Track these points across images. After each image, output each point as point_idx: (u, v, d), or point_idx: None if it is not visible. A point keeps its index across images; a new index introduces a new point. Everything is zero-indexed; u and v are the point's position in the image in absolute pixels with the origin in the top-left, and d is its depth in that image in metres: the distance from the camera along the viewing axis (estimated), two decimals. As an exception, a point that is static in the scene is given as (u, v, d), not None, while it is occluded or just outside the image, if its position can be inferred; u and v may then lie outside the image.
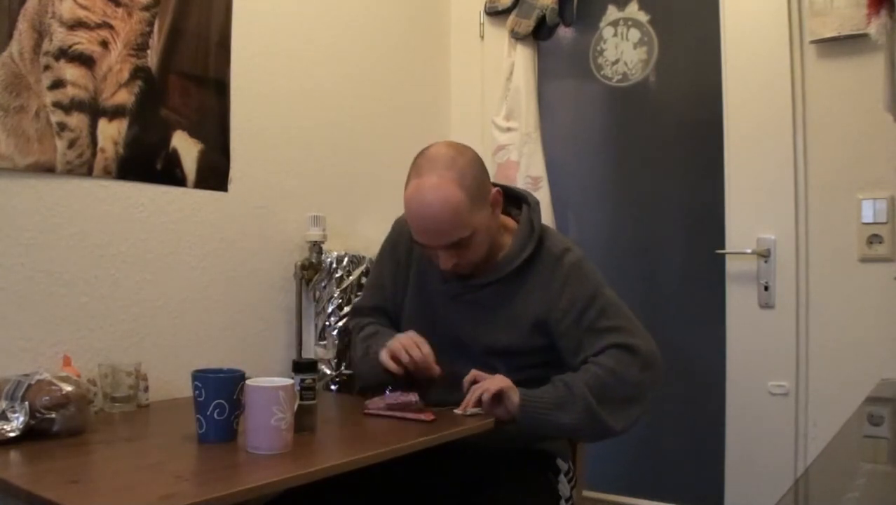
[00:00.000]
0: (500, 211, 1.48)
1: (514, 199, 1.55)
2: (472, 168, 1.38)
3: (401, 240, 1.59)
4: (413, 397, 1.38)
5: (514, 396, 1.35)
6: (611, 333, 1.40)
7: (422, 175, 1.36)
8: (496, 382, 1.36)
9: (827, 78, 1.95)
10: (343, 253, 1.94)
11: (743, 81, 2.06)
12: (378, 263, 1.66)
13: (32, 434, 1.17)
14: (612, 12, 2.33)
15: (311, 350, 1.91)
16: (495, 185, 1.48)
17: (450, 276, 1.47)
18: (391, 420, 1.37)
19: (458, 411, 1.36)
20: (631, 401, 1.39)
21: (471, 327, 1.46)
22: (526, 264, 1.46)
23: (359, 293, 1.93)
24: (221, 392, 1.15)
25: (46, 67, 1.46)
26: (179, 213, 1.71)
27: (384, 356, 1.41)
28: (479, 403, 1.36)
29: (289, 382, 1.17)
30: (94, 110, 1.54)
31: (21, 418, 1.17)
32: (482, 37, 2.54)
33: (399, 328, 1.56)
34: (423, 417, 1.35)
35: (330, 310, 1.90)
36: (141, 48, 1.62)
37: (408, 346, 1.40)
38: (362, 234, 2.11)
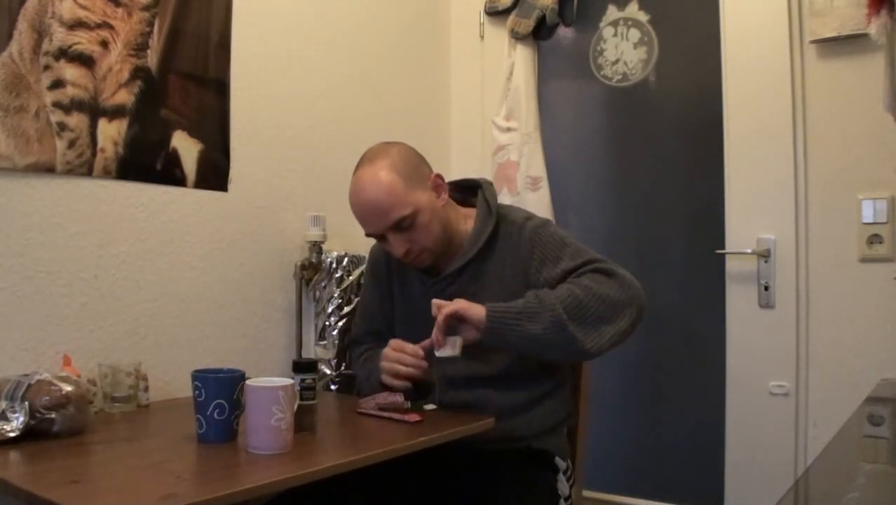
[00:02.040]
0: (446, 196, 1.52)
1: (471, 189, 1.60)
2: (402, 155, 1.48)
3: (378, 261, 1.66)
4: (399, 398, 1.39)
5: (477, 310, 1.35)
6: (588, 263, 1.43)
7: (356, 172, 1.48)
8: (452, 304, 1.37)
9: (827, 78, 1.95)
10: (343, 253, 1.94)
11: (743, 81, 2.06)
12: (364, 290, 1.73)
13: (32, 434, 1.17)
14: (612, 12, 2.33)
15: (311, 350, 1.91)
16: (451, 180, 1.56)
17: (413, 265, 1.50)
18: (385, 420, 1.37)
19: (438, 354, 1.38)
20: (604, 320, 1.36)
21: None
22: (491, 241, 1.50)
23: (359, 293, 1.93)
24: (221, 392, 1.16)
25: (46, 67, 1.46)
26: (179, 213, 1.71)
27: (387, 380, 1.45)
28: (446, 333, 1.37)
29: (289, 382, 1.17)
30: (94, 110, 1.54)
31: (21, 418, 1.17)
32: (482, 37, 2.54)
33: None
34: (407, 418, 1.35)
35: (330, 310, 1.90)
36: (141, 48, 1.62)
37: (397, 358, 1.43)
38: (362, 234, 2.11)
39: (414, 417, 1.35)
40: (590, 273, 1.41)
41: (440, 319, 1.36)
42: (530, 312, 1.34)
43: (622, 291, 1.39)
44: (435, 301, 1.39)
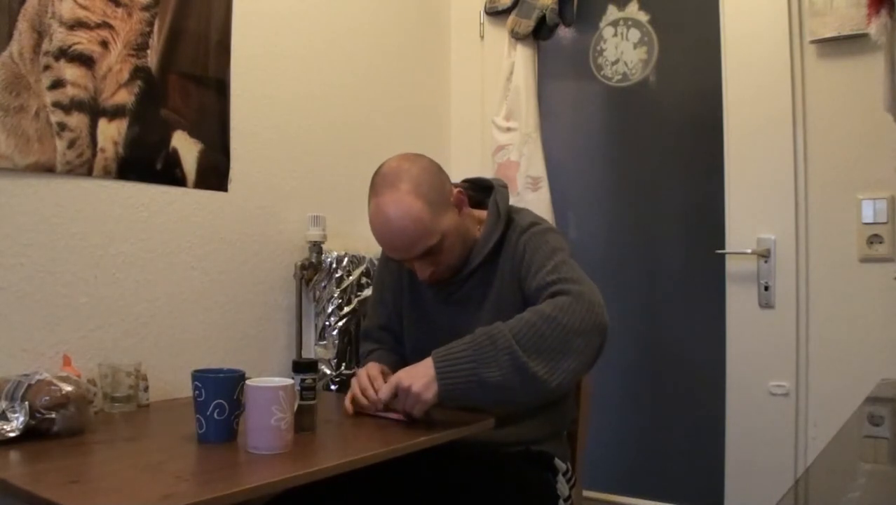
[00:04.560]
0: (467, 208, 1.48)
1: (487, 190, 1.55)
2: (426, 175, 1.39)
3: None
4: None
5: (424, 384, 1.25)
6: (557, 283, 1.33)
7: (379, 194, 1.38)
8: (416, 392, 1.26)
9: (827, 78, 1.95)
10: (343, 253, 1.94)
11: (743, 81, 2.06)
12: (376, 282, 1.70)
13: (32, 434, 1.17)
14: (612, 12, 2.34)
15: (311, 350, 1.91)
16: (460, 183, 1.50)
17: (433, 284, 1.48)
18: (384, 420, 1.37)
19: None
20: (566, 352, 1.26)
21: (464, 326, 1.45)
22: (498, 247, 1.46)
23: (359, 293, 1.93)
24: (221, 392, 1.15)
25: (46, 67, 1.46)
26: (179, 213, 1.71)
27: (346, 401, 1.41)
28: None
29: (289, 382, 1.17)
30: (94, 110, 1.54)
31: (21, 418, 1.17)
32: (482, 37, 2.54)
33: (402, 339, 1.59)
34: (403, 417, 1.34)
35: (330, 310, 1.90)
36: (141, 48, 1.62)
37: (362, 388, 1.38)
38: (362, 234, 2.10)
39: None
40: (554, 297, 1.31)
41: (418, 413, 1.28)
42: (483, 357, 1.24)
43: (584, 315, 1.28)
44: (386, 392, 1.30)
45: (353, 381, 1.43)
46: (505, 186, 1.54)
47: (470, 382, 1.25)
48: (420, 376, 1.27)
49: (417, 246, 1.37)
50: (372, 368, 1.42)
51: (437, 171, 1.43)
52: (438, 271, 1.43)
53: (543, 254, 1.40)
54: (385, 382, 1.34)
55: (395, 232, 1.36)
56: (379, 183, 1.40)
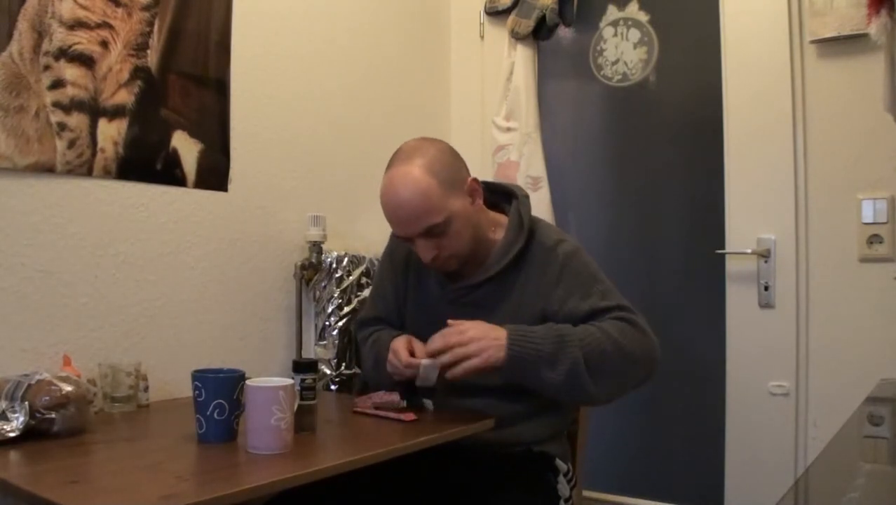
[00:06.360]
0: (482, 201, 1.47)
1: (505, 196, 1.55)
2: (441, 155, 1.40)
3: (397, 249, 1.60)
4: (395, 397, 1.40)
5: (494, 359, 1.30)
6: (615, 309, 1.38)
7: (392, 167, 1.40)
8: (476, 360, 1.30)
9: (827, 78, 1.95)
10: (343, 253, 1.94)
11: (743, 81, 2.06)
12: (378, 275, 1.68)
13: (32, 434, 1.17)
14: (612, 12, 2.34)
15: (311, 350, 1.91)
16: (486, 181, 1.50)
17: (437, 270, 1.47)
18: (383, 420, 1.37)
19: (417, 383, 1.37)
20: (621, 374, 1.35)
21: None
22: (519, 258, 1.45)
23: (359, 293, 1.93)
24: (221, 392, 1.16)
25: (46, 67, 1.46)
26: (179, 213, 1.71)
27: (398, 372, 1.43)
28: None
29: (289, 382, 1.17)
30: (94, 110, 1.54)
31: (21, 418, 1.17)
32: (482, 37, 2.54)
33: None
34: (402, 417, 1.36)
35: (330, 310, 1.90)
36: (141, 48, 1.62)
37: (396, 363, 1.40)
38: (362, 234, 2.11)
39: (409, 417, 1.36)
40: (616, 321, 1.36)
41: (460, 371, 1.31)
42: (551, 359, 1.30)
43: (643, 347, 1.36)
44: (453, 324, 1.35)
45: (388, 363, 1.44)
46: (527, 196, 1.54)
47: (529, 371, 1.32)
48: (492, 338, 1.31)
49: (422, 221, 1.36)
50: (397, 345, 1.43)
51: (454, 156, 1.45)
52: (442, 257, 1.41)
53: (586, 277, 1.43)
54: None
55: (401, 203, 1.36)
56: (395, 158, 1.42)
